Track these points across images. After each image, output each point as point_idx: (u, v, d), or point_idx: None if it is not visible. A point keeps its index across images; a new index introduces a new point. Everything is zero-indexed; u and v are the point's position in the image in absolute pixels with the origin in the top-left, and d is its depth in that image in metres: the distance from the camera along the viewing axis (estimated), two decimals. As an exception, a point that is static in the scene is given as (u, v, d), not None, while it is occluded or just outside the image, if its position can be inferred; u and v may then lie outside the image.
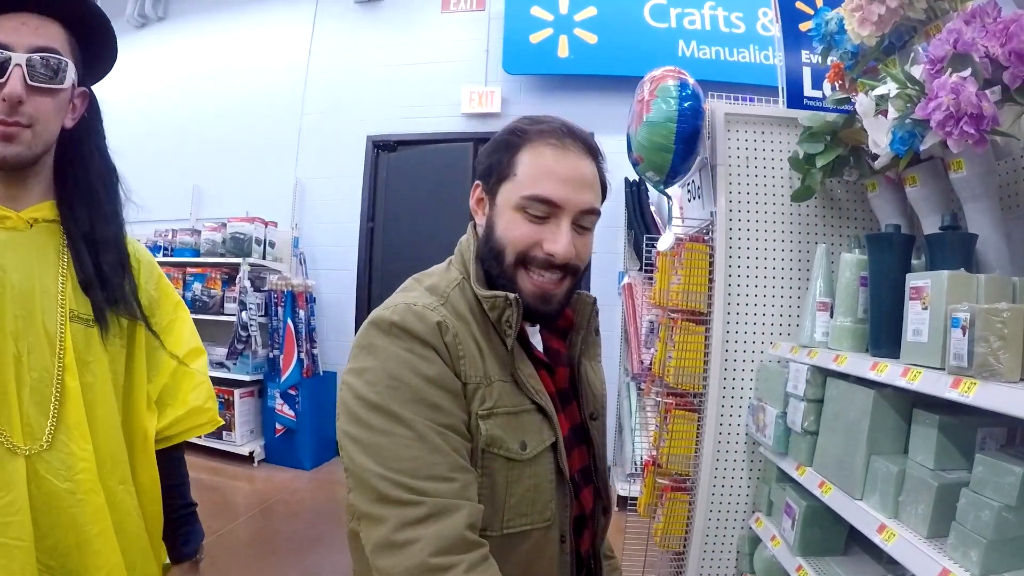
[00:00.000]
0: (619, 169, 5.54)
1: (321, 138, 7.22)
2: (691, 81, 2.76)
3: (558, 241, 1.27)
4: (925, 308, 1.69)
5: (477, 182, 1.42)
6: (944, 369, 1.57)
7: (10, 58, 1.17)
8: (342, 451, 1.23)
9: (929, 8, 2.03)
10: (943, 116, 1.60)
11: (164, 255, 6.78)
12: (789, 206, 2.77)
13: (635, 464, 4.43)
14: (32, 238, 1.28)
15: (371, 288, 6.99)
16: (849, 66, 2.42)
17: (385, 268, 6.92)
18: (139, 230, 7.08)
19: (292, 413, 6.34)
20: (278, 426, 6.39)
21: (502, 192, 1.34)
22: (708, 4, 6.19)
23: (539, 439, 1.31)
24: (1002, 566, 1.38)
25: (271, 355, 6.50)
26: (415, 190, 6.86)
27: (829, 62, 2.54)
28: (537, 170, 1.30)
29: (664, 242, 2.91)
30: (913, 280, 1.77)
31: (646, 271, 3.52)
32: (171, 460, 1.53)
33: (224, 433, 6.33)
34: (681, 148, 2.69)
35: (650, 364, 3.18)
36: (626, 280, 5.05)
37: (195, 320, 1.67)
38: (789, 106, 2.86)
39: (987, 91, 1.58)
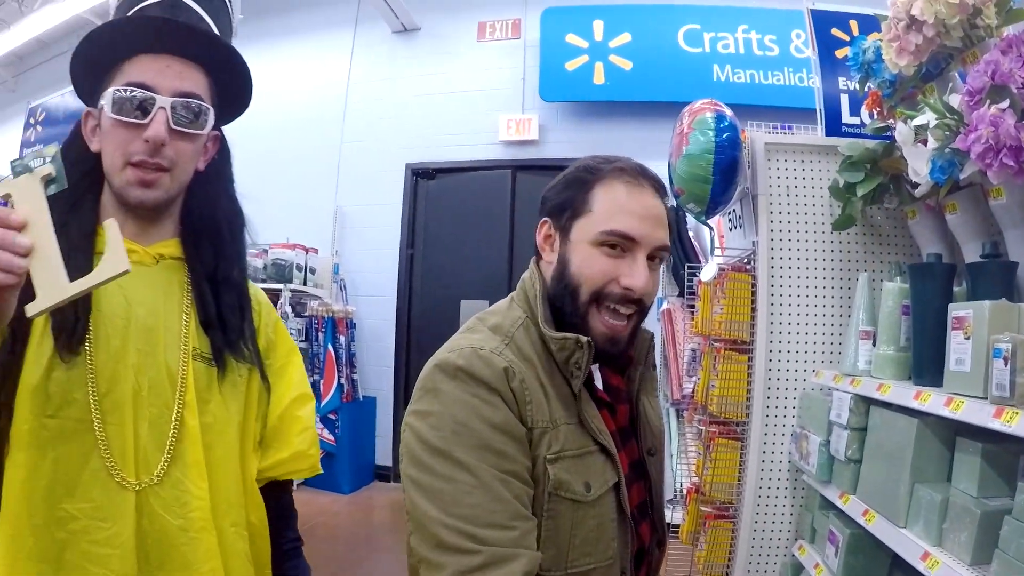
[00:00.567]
0: None
1: (361, 166, 7.29)
2: (728, 112, 2.77)
3: (635, 275, 1.27)
4: (967, 338, 1.68)
5: (545, 219, 1.42)
6: (987, 399, 1.57)
7: (155, 100, 1.19)
8: (404, 493, 1.22)
9: (965, 36, 2.04)
10: (983, 148, 1.62)
11: (206, 281, 6.85)
12: (830, 234, 2.76)
13: (676, 491, 4.41)
14: (158, 274, 1.30)
15: (411, 314, 7.03)
16: (887, 94, 2.43)
17: (424, 294, 6.96)
18: None
19: (332, 437, 6.38)
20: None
21: (576, 228, 1.33)
22: (741, 28, 6.17)
23: (602, 480, 1.29)
24: (1045, 593, 1.37)
25: (311, 380, 6.50)
26: (454, 217, 6.90)
27: (867, 90, 2.55)
28: (614, 205, 1.30)
29: (707, 272, 2.92)
30: (955, 310, 1.77)
31: (688, 300, 3.52)
32: (280, 496, 1.51)
33: (264, 457, 6.33)
34: (720, 179, 2.69)
35: (692, 392, 3.18)
36: (665, 306, 5.04)
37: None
38: (828, 134, 2.87)
39: (1026, 121, 1.60)
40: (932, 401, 1.77)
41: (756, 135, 2.82)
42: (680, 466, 4.22)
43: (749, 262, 2.85)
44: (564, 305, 1.33)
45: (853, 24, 2.98)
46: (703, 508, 2.86)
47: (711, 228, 3.21)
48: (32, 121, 9.32)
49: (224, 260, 1.36)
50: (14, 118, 10.16)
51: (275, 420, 1.43)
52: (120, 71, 1.22)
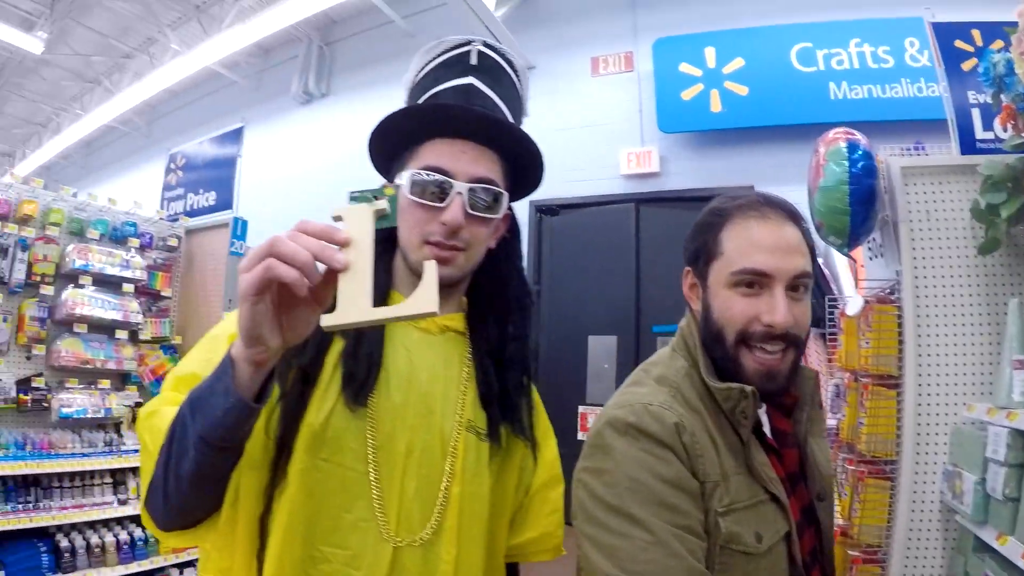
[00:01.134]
0: None
1: (488, 203, 7.33)
2: (862, 140, 2.70)
3: (775, 311, 1.27)
4: None
5: (687, 268, 1.45)
6: None
7: (452, 185, 1.25)
8: (579, 549, 1.25)
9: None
10: None
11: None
12: (975, 258, 2.63)
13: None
14: (441, 344, 1.35)
15: (539, 350, 6.96)
16: (1022, 107, 2.32)
17: (552, 330, 6.94)
18: None
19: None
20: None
21: (712, 273, 1.37)
22: (854, 42, 5.96)
23: (774, 530, 1.29)
24: None
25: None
26: (579, 253, 6.89)
27: (1001, 104, 2.44)
28: (743, 243, 1.32)
29: (853, 306, 2.81)
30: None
31: (829, 334, 3.41)
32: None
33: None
34: (858, 209, 2.62)
35: (836, 430, 3.06)
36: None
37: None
38: (963, 152, 2.76)
39: None
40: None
41: (892, 160, 2.73)
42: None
43: (893, 292, 2.75)
44: (715, 351, 1.35)
45: (975, 33, 2.87)
46: (851, 552, 2.74)
47: (852, 260, 3.11)
48: (173, 166, 9.98)
49: (510, 339, 1.39)
50: (151, 160, 10.87)
51: (527, 499, 1.45)
52: (417, 153, 1.30)
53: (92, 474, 4.28)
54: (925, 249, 2.67)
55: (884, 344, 2.66)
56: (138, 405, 4.72)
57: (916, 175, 2.71)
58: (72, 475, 4.18)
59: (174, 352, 5.09)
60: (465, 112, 1.29)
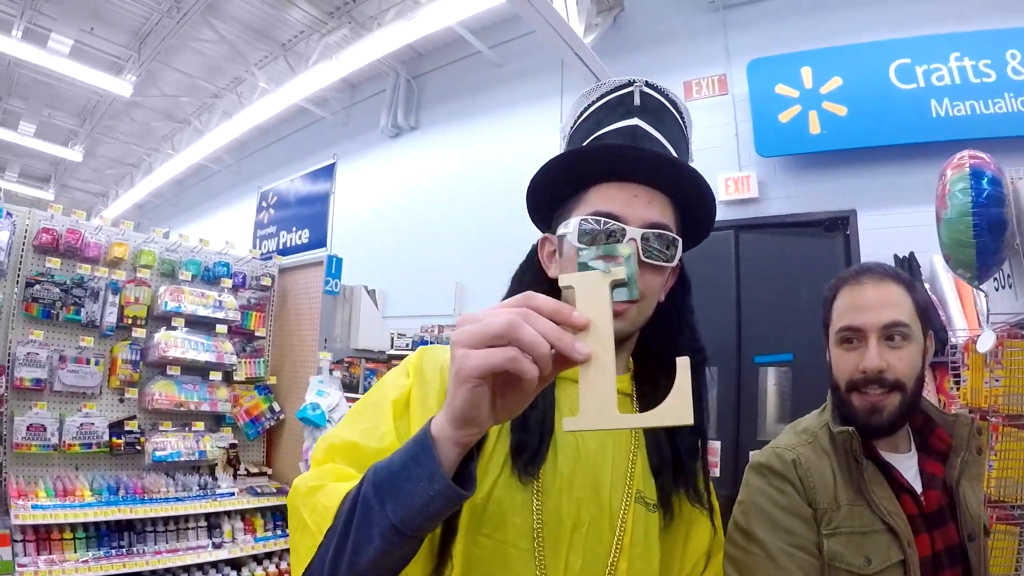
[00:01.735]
0: (886, 246, 5.35)
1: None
2: (990, 164, 2.54)
3: (867, 358, 1.53)
4: None
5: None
6: None
7: (625, 231, 1.15)
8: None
9: None
10: None
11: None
12: None
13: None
14: None
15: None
16: None
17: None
18: (407, 324, 7.51)
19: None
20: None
21: (830, 337, 1.66)
22: (954, 56, 5.73)
23: (884, 556, 1.46)
24: None
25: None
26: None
27: None
28: (842, 307, 1.61)
29: (985, 343, 2.62)
30: None
31: (952, 370, 3.21)
32: None
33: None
34: (985, 240, 2.48)
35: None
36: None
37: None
38: None
39: None
40: None
41: (1021, 185, 2.57)
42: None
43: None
44: (837, 402, 1.63)
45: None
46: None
47: (986, 294, 2.91)
48: (264, 204, 10.10)
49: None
50: (242, 197, 11.05)
51: (691, 568, 1.35)
52: (584, 199, 1.22)
53: (186, 518, 4.28)
54: None
55: (1016, 382, 2.56)
56: (232, 447, 4.74)
57: None
58: (166, 519, 4.19)
59: (268, 392, 5.10)
60: (636, 152, 1.20)
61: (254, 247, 9.10)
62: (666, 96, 1.33)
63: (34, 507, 3.68)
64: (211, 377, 4.71)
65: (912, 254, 5.07)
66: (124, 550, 3.99)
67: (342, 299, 5.47)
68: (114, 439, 4.26)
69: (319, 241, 9.34)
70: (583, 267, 0.87)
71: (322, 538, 0.96)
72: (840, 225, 5.98)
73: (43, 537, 3.76)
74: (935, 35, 5.79)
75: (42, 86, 10.07)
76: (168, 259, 4.68)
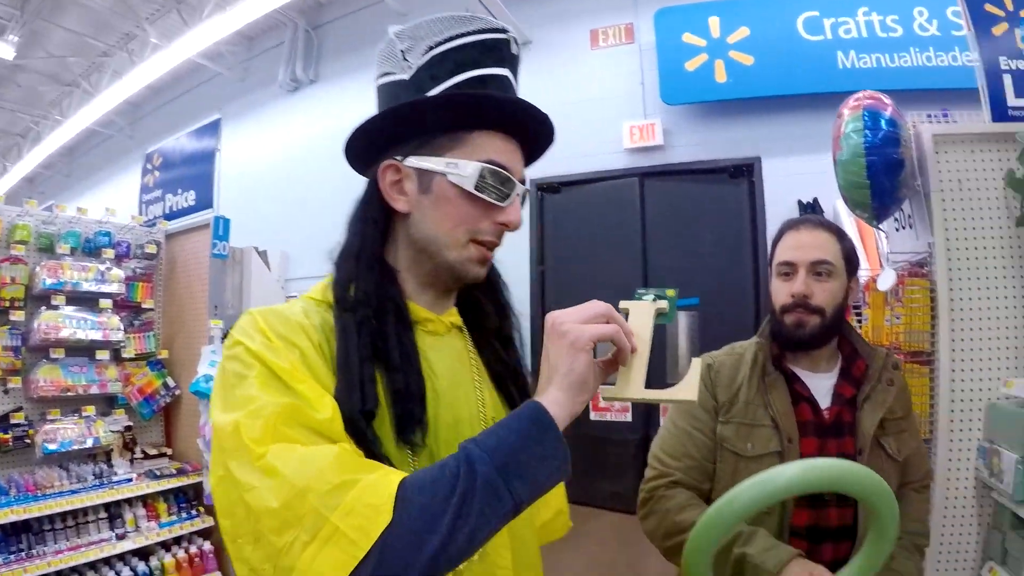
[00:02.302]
0: (790, 193, 5.63)
1: (487, 184, 7.11)
2: (884, 106, 2.58)
3: (794, 286, 1.85)
4: None
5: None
6: None
7: (515, 186, 1.19)
8: None
9: None
10: None
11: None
12: (1010, 229, 2.57)
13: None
14: (450, 342, 1.28)
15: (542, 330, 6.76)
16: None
17: (557, 308, 6.69)
18: (300, 285, 7.28)
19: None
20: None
21: (772, 271, 1.94)
22: (861, 10, 5.89)
23: (764, 445, 1.80)
24: None
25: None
26: (583, 230, 6.72)
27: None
28: (783, 247, 1.91)
29: (885, 281, 2.72)
30: None
31: (854, 308, 3.32)
32: None
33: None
34: (880, 181, 2.54)
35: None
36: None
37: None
38: (994, 119, 2.69)
39: None
40: None
41: (923, 128, 2.65)
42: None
43: (923, 265, 2.70)
44: (773, 322, 1.93)
45: (1006, -4, 2.80)
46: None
47: (884, 232, 2.95)
48: (149, 166, 9.46)
49: (505, 318, 1.37)
50: (136, 164, 10.49)
51: None
52: (468, 142, 1.18)
53: (85, 511, 4.02)
54: (957, 220, 2.62)
55: (916, 320, 2.67)
56: (127, 429, 4.48)
57: (948, 143, 2.64)
58: (64, 515, 3.93)
59: (161, 367, 4.80)
60: (540, 115, 1.21)
61: (141, 214, 8.56)
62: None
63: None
64: (98, 357, 4.37)
65: (816, 199, 5.15)
66: (24, 553, 3.72)
67: (232, 263, 5.16)
68: (1, 434, 3.96)
69: (206, 202, 8.89)
70: (639, 298, 1.18)
71: (375, 539, 0.86)
72: (745, 172, 6.08)
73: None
74: (845, -11, 5.92)
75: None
76: (45, 232, 4.30)
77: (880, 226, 2.79)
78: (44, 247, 4.30)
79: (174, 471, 4.51)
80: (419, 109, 1.17)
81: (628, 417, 5.54)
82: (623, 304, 1.15)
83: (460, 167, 1.15)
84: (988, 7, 2.78)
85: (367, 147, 1.24)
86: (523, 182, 1.22)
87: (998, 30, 2.74)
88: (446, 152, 1.17)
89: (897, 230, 3.01)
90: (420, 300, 1.22)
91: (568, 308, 1.05)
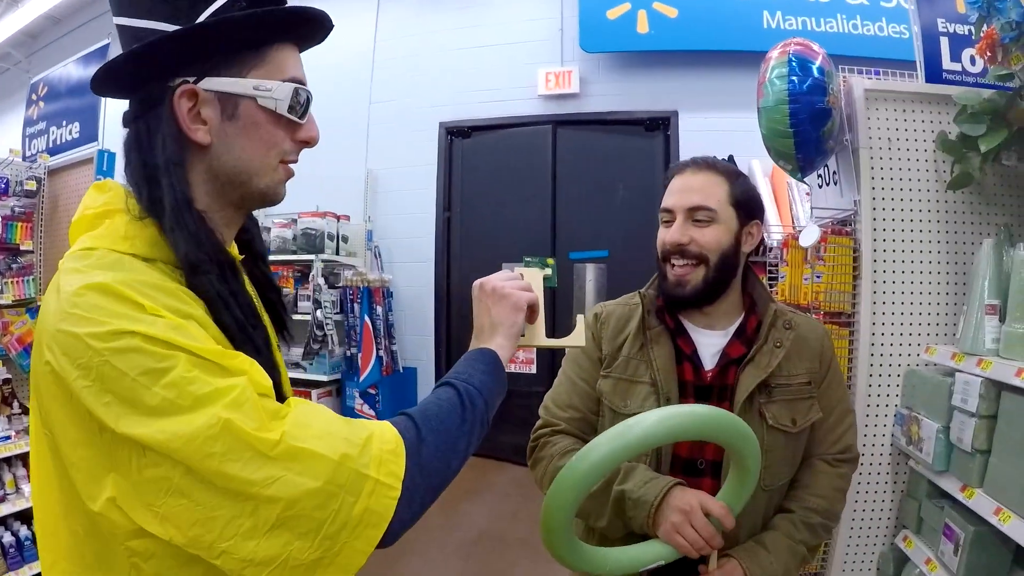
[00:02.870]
0: (706, 149, 5.36)
1: (392, 127, 6.99)
2: (813, 54, 2.51)
3: (670, 233, 1.75)
4: None
5: None
6: None
7: (311, 101, 1.14)
8: None
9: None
10: None
11: (234, 253, 6.69)
12: (939, 193, 2.56)
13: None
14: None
15: (450, 279, 6.77)
16: (1010, 37, 2.16)
17: (464, 258, 6.72)
18: None
19: (372, 412, 6.20)
20: (359, 426, 6.23)
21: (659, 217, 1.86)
22: None
23: (640, 404, 1.74)
24: None
25: (348, 353, 6.36)
26: (492, 176, 6.64)
27: (982, 31, 2.29)
28: (666, 192, 1.82)
29: (808, 237, 2.67)
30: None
31: (769, 268, 3.27)
32: None
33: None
34: (804, 131, 2.45)
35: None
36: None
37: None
38: (928, 80, 2.67)
39: None
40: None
41: (856, 80, 2.62)
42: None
43: (847, 224, 2.66)
44: (659, 272, 1.84)
45: (949, -43, 2.77)
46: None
47: (807, 186, 2.98)
48: (34, 97, 8.89)
49: (258, 235, 1.34)
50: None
51: None
52: (267, 60, 1.09)
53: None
54: (885, 179, 2.59)
55: (838, 279, 2.62)
56: (6, 383, 4.19)
57: (881, 100, 2.61)
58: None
59: (42, 315, 4.52)
60: (326, 21, 1.16)
61: (25, 148, 8.03)
62: None
63: None
64: (-28, 304, 4.05)
65: (731, 156, 5.24)
66: None
67: (118, 200, 4.98)
68: None
69: (91, 135, 8.44)
70: (528, 264, 1.44)
71: (403, 479, 0.97)
72: (661, 125, 6.09)
73: None
74: (775, -52, 5.91)
75: None
76: (-89, 172, 3.91)
77: (804, 180, 2.78)
78: (-89, 187, 3.89)
79: (58, 428, 4.25)
80: (221, 27, 1.02)
81: (533, 369, 5.59)
82: (518, 270, 1.41)
83: (272, 89, 1.07)
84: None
85: (135, 71, 1.04)
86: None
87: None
88: (248, 72, 1.06)
89: (820, 187, 2.97)
90: (227, 239, 1.14)
91: (497, 274, 1.35)
